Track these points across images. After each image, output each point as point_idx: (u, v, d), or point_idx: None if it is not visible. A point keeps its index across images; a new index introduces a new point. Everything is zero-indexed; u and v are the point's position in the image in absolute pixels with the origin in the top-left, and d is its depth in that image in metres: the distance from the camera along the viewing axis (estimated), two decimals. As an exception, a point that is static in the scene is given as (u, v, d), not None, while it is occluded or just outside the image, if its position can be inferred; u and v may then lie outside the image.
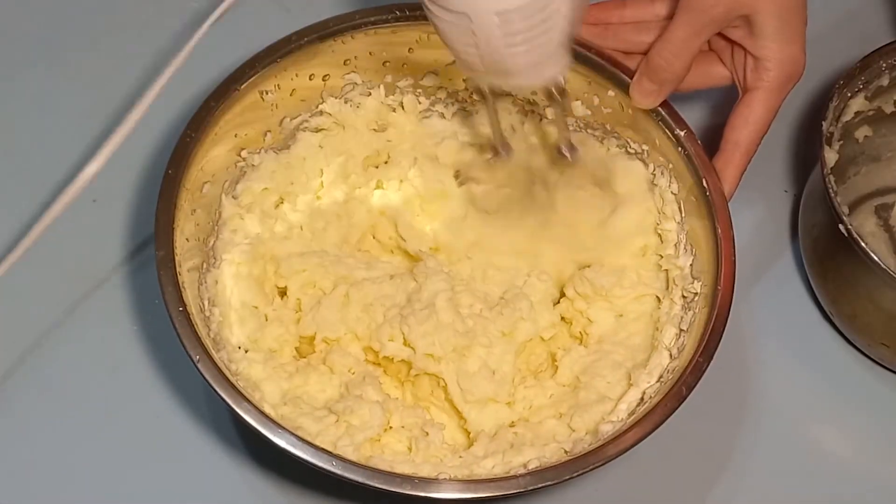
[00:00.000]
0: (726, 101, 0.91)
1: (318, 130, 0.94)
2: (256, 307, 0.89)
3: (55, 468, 0.87)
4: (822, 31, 1.10)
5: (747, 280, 0.99)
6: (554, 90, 0.80)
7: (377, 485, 0.76)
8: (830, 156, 0.93)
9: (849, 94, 0.95)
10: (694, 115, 1.03)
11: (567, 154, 0.89)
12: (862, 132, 1.00)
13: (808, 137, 1.07)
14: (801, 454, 0.95)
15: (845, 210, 0.91)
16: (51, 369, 0.91)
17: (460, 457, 0.84)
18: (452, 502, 0.77)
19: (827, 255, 0.94)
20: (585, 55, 0.91)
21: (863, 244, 0.87)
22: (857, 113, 0.97)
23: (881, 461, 0.96)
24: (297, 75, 0.90)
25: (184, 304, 0.80)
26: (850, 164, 1.02)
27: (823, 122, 0.92)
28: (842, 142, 0.97)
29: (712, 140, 0.91)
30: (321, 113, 0.94)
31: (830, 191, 0.89)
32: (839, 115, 0.95)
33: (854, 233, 0.87)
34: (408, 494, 0.76)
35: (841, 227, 0.88)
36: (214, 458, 0.89)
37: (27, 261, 0.92)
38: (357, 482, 0.76)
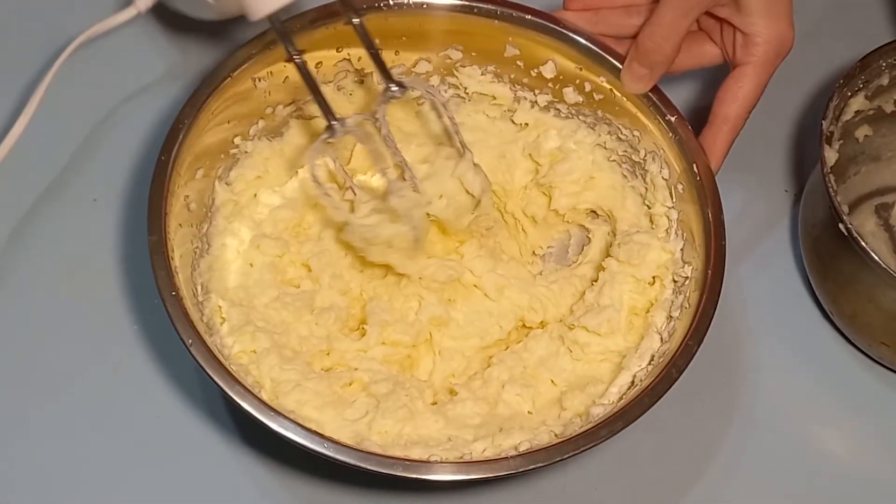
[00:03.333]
0: (716, 83, 0.92)
1: (311, 118, 0.95)
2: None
3: (56, 467, 0.88)
4: (822, 31, 1.10)
5: (747, 279, 1.00)
6: None
7: (369, 466, 0.77)
8: (830, 155, 0.93)
9: (849, 94, 0.95)
10: (682, 97, 1.04)
11: (397, 90, 0.88)
12: (862, 131, 1.00)
13: (808, 137, 1.08)
14: (800, 454, 0.95)
15: (845, 209, 0.91)
16: (51, 369, 0.92)
17: (449, 440, 0.85)
18: (445, 483, 0.79)
19: (827, 254, 0.94)
20: (577, 41, 0.93)
21: (863, 243, 0.87)
22: (857, 112, 0.97)
23: (881, 461, 0.96)
24: (288, 63, 0.91)
25: (176, 289, 0.81)
26: (850, 163, 1.02)
27: (823, 122, 0.92)
28: (842, 141, 0.97)
29: (703, 123, 0.92)
30: (314, 100, 0.95)
31: (830, 190, 0.89)
32: (839, 114, 0.95)
33: (854, 232, 0.87)
34: (401, 476, 0.77)
35: (841, 226, 0.88)
36: (214, 453, 0.90)
37: (27, 260, 0.94)
38: (350, 464, 0.77)
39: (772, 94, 1.07)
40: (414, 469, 0.77)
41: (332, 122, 0.86)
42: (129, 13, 0.91)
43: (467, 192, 0.91)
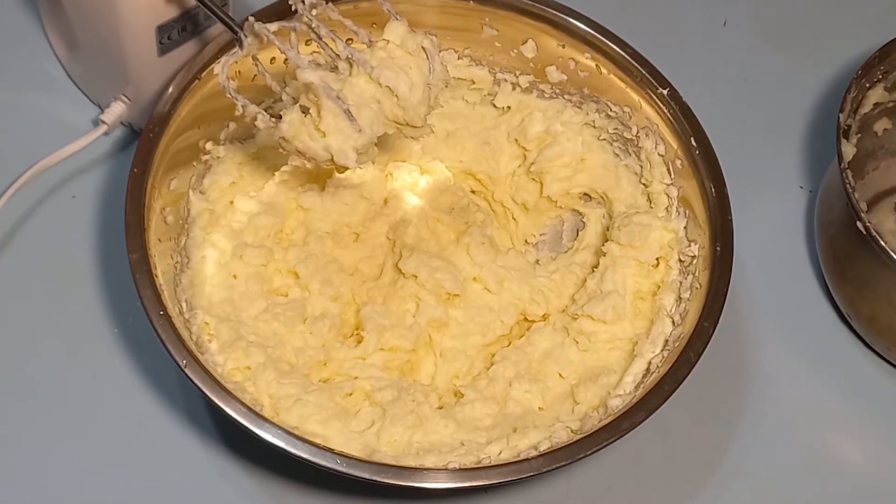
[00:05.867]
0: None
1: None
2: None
3: (33, 474, 0.88)
4: (839, 19, 1.11)
5: (759, 279, 1.00)
6: None
7: (386, 480, 0.77)
8: (848, 150, 0.94)
9: (867, 85, 0.96)
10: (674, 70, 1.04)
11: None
12: (881, 125, 1.00)
13: (824, 131, 1.08)
14: (812, 462, 0.95)
15: (863, 207, 0.91)
16: (28, 373, 0.91)
17: (462, 444, 0.85)
18: (459, 491, 0.79)
19: (844, 253, 0.94)
20: (557, 17, 0.94)
21: (882, 242, 0.87)
22: (875, 105, 0.98)
23: (898, 472, 0.96)
24: (257, 59, 0.90)
25: (164, 308, 0.80)
26: (868, 158, 1.02)
27: (840, 115, 0.92)
28: (860, 135, 0.97)
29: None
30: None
31: (848, 186, 0.89)
32: (857, 106, 0.96)
33: (873, 231, 0.87)
34: (416, 487, 0.77)
35: (859, 224, 0.88)
36: (196, 457, 0.90)
37: (2, 259, 0.93)
38: (364, 479, 0.77)
39: (786, 86, 1.09)
40: (431, 478, 0.78)
41: (238, 34, 0.84)
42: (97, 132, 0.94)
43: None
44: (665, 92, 0.92)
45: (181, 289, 0.87)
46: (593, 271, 0.94)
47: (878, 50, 0.95)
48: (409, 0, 0.94)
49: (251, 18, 0.83)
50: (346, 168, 0.82)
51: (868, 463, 0.96)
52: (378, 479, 0.77)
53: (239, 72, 0.90)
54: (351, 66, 0.81)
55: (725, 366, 0.96)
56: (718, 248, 0.86)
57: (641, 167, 0.95)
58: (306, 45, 0.88)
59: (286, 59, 0.85)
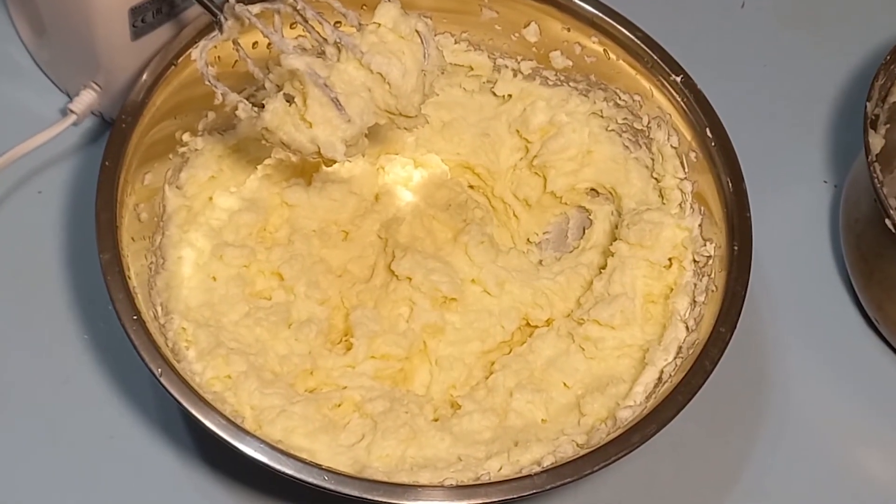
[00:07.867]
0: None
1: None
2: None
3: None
4: (866, 1, 1.10)
5: (780, 281, 1.00)
6: None
7: (378, 498, 0.76)
8: (876, 141, 0.93)
9: None
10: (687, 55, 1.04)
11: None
12: None
13: (850, 121, 1.08)
14: (839, 479, 0.95)
15: (893, 203, 0.91)
16: None
17: (460, 459, 0.84)
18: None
19: (872, 253, 0.94)
20: (561, -1, 0.93)
21: None
22: None
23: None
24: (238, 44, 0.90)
25: (137, 312, 0.79)
26: None
27: (868, 104, 0.92)
28: (889, 125, 0.97)
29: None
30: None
31: (876, 181, 0.89)
32: (885, 95, 0.95)
33: None
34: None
35: (888, 222, 0.88)
36: (170, 472, 0.89)
37: None
38: (353, 497, 0.76)
39: (809, 73, 1.09)
40: (426, 495, 0.77)
41: (218, 16, 0.83)
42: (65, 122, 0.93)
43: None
44: (678, 79, 0.91)
45: (156, 292, 0.86)
46: (600, 273, 0.94)
47: (907, 35, 0.96)
48: (402, -19, 0.93)
49: (232, 0, 0.83)
50: (335, 161, 0.82)
51: (897, 478, 0.96)
52: (369, 496, 0.76)
53: (218, 57, 0.89)
54: (339, 51, 0.81)
55: (743, 374, 0.95)
56: (736, 248, 0.86)
57: (653, 160, 0.95)
58: (291, 28, 0.87)
59: (269, 44, 0.85)
